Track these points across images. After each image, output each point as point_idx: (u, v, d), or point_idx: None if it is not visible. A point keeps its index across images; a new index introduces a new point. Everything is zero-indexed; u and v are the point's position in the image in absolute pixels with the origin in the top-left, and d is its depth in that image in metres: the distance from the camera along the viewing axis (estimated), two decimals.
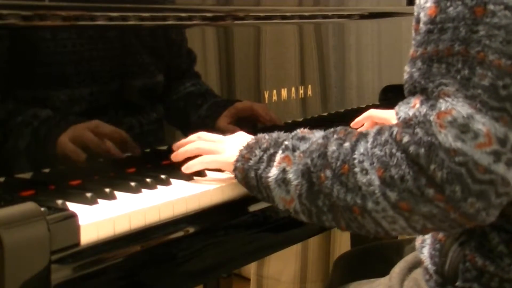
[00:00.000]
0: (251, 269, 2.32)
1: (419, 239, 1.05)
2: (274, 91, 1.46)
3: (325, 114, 1.62)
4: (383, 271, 1.15)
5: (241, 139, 1.10)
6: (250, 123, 1.41)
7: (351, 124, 1.50)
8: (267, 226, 1.13)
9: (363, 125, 1.50)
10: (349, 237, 2.08)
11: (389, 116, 1.45)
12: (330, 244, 2.26)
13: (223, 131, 1.31)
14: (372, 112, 1.48)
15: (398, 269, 1.10)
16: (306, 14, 1.57)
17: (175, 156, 1.16)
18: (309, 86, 1.56)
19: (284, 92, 1.48)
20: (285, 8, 1.52)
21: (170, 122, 1.27)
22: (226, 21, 1.37)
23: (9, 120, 1.01)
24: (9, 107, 1.01)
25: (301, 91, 1.53)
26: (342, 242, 2.22)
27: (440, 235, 0.99)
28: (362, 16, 1.74)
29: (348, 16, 1.70)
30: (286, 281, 2.25)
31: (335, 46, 1.66)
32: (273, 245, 1.21)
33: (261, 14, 1.46)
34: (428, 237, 1.02)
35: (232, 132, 1.21)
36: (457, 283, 0.95)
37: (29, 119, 1.03)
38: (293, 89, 1.51)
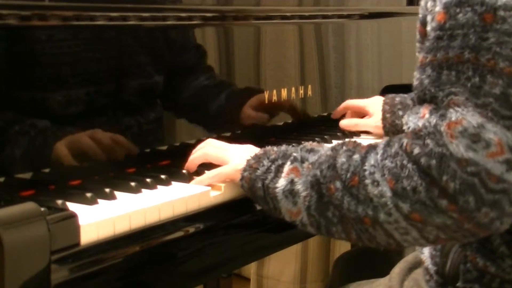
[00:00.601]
0: (251, 269, 2.32)
1: None
2: (274, 91, 1.46)
3: (325, 114, 1.62)
4: (383, 271, 1.15)
5: (249, 149, 1.09)
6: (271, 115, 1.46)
7: (332, 116, 1.60)
8: (267, 226, 1.13)
9: (344, 115, 1.59)
10: None
11: (364, 104, 1.55)
12: (330, 244, 2.26)
13: (246, 120, 1.35)
14: (348, 102, 1.59)
15: (398, 269, 1.10)
16: (306, 14, 1.57)
17: (186, 168, 1.16)
18: (309, 86, 1.56)
19: (284, 92, 1.48)
20: (285, 8, 1.52)
21: (170, 122, 1.27)
22: (226, 21, 1.37)
23: (9, 119, 1.01)
24: (9, 107, 1.01)
25: (301, 91, 1.53)
26: (342, 242, 2.22)
27: None
28: (362, 16, 1.74)
29: (348, 16, 1.70)
30: (286, 281, 2.25)
31: (335, 46, 1.66)
32: (273, 245, 1.21)
33: (261, 14, 1.46)
34: None
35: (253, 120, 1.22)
36: (458, 284, 0.95)
37: (30, 119, 1.03)
38: (293, 89, 1.51)
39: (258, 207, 1.09)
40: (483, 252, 0.93)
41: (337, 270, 1.46)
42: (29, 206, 0.83)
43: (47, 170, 1.05)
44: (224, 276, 1.78)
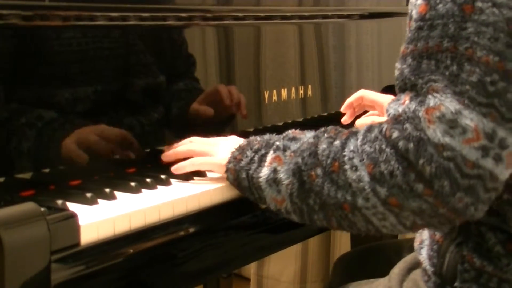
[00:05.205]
0: (251, 269, 2.32)
1: (417, 240, 1.05)
2: (274, 91, 1.46)
3: (325, 114, 1.62)
4: (383, 272, 1.15)
5: (233, 142, 1.11)
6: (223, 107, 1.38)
7: (342, 108, 1.46)
8: (267, 226, 1.13)
9: (354, 109, 1.45)
10: (349, 238, 2.08)
11: (379, 99, 1.42)
12: (330, 244, 2.27)
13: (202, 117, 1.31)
14: (363, 92, 1.45)
15: (397, 269, 1.10)
16: (306, 14, 1.57)
17: (166, 156, 1.16)
18: (309, 86, 1.56)
19: (284, 92, 1.48)
20: (285, 8, 1.52)
21: (170, 121, 1.27)
22: (226, 21, 1.37)
23: (11, 120, 1.01)
24: (11, 108, 1.01)
25: (301, 91, 1.54)
26: (342, 242, 2.22)
27: (438, 236, 0.99)
28: (362, 16, 1.74)
29: (348, 16, 1.70)
30: (286, 281, 2.25)
31: (335, 46, 1.66)
32: (273, 245, 1.21)
33: (261, 14, 1.46)
34: (426, 238, 1.02)
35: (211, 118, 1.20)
36: (456, 284, 0.95)
37: (30, 120, 1.03)
38: (293, 89, 1.51)
39: (258, 207, 1.09)
40: (479, 252, 0.93)
41: (337, 271, 1.46)
42: (29, 206, 0.83)
43: (47, 170, 1.05)
44: (224, 276, 1.78)
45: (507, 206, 0.91)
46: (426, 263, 1.00)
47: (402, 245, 1.35)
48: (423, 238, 1.03)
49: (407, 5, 1.90)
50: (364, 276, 1.22)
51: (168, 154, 1.17)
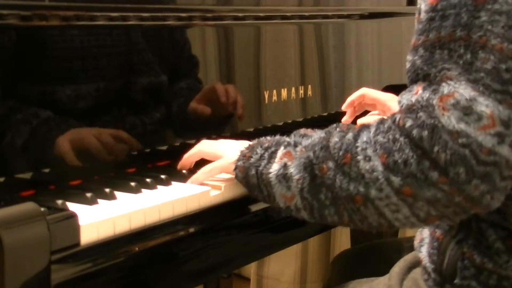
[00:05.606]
0: (251, 269, 2.32)
1: (417, 239, 1.05)
2: (274, 91, 1.46)
3: (325, 114, 1.63)
4: (383, 270, 1.15)
5: (242, 142, 1.10)
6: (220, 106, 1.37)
7: (343, 107, 1.45)
8: (267, 226, 1.13)
9: (354, 108, 1.45)
10: (349, 237, 2.08)
11: (385, 98, 1.43)
12: (330, 244, 2.27)
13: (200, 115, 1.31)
14: (365, 90, 1.45)
15: (397, 268, 1.10)
16: (306, 14, 1.57)
17: (181, 165, 1.16)
18: (309, 86, 1.56)
19: (284, 92, 1.48)
20: (285, 8, 1.52)
21: (170, 121, 1.27)
22: (226, 21, 1.37)
23: (10, 119, 1.01)
24: (10, 108, 1.01)
25: (301, 91, 1.54)
26: (342, 242, 2.22)
27: (438, 233, 0.99)
28: (362, 16, 1.74)
29: (348, 16, 1.70)
30: (286, 281, 2.25)
31: (335, 46, 1.66)
32: (273, 245, 1.21)
33: (261, 14, 1.46)
34: (426, 236, 1.02)
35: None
36: (456, 281, 0.95)
37: (30, 119, 1.03)
38: (293, 89, 1.51)
39: (259, 207, 1.09)
40: (479, 249, 0.93)
41: (336, 269, 1.46)
42: (29, 206, 0.83)
43: (47, 170, 1.05)
44: (224, 276, 1.78)
45: (508, 202, 0.90)
46: (426, 260, 1.00)
47: (402, 244, 1.35)
48: (423, 236, 1.03)
49: (407, 5, 1.92)
50: (363, 274, 1.22)
51: (182, 161, 1.17)
